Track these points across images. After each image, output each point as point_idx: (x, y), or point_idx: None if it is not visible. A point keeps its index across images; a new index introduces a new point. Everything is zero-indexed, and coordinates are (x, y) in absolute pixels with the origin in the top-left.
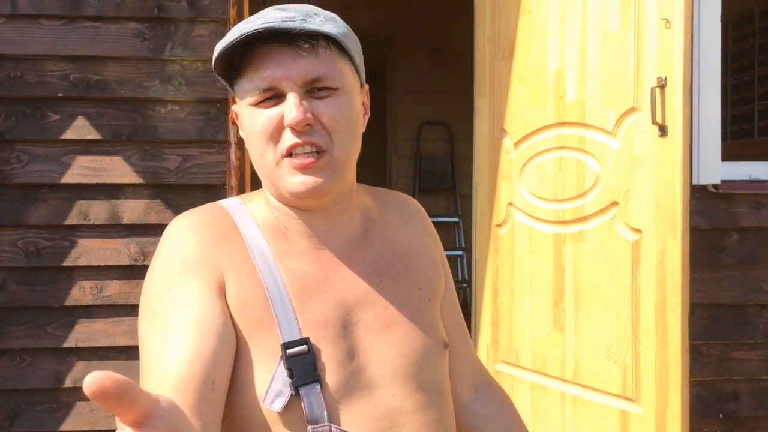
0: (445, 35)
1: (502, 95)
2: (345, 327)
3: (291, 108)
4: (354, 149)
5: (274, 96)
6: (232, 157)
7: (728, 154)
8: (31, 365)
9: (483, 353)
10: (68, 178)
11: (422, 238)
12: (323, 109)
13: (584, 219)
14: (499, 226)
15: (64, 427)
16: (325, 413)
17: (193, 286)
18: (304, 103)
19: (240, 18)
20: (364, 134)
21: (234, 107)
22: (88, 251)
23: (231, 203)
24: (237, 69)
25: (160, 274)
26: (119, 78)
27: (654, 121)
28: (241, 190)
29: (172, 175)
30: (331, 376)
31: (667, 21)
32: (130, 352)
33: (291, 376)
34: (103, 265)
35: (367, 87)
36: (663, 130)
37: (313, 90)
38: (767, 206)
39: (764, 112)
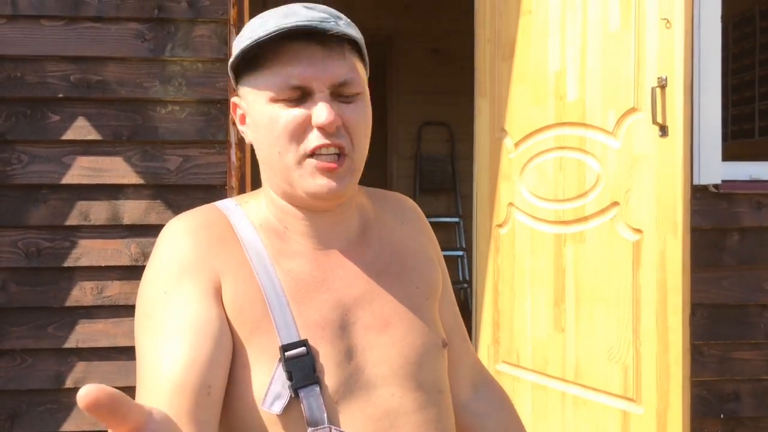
0: (445, 35)
1: (503, 95)
2: (343, 327)
3: (322, 109)
4: (366, 153)
5: (298, 95)
6: (233, 157)
7: (729, 154)
8: (32, 366)
9: (484, 353)
10: (69, 178)
11: (419, 237)
12: (348, 112)
13: (585, 219)
14: (499, 226)
15: (64, 427)
16: (325, 415)
17: (188, 289)
18: (333, 105)
19: (240, 18)
20: None
21: (237, 99)
22: (88, 252)
23: (227, 204)
24: (253, 61)
25: (155, 277)
26: (119, 78)
27: (654, 121)
28: (241, 191)
29: (173, 175)
30: (330, 377)
31: (668, 21)
32: (130, 353)
33: (290, 378)
34: (103, 265)
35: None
36: (663, 130)
37: (338, 93)
38: None
39: (765, 112)
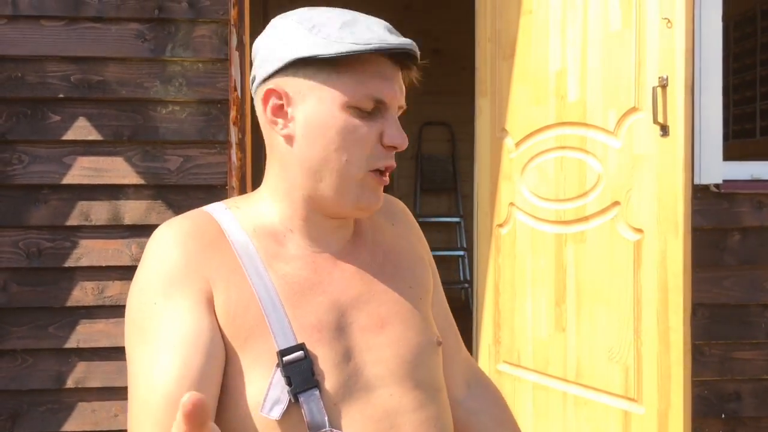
0: (445, 35)
1: (504, 95)
2: (340, 329)
3: (399, 130)
4: None
5: (373, 108)
6: (233, 157)
7: (730, 154)
8: (33, 366)
9: (485, 353)
10: (69, 178)
11: (409, 237)
12: None
13: (586, 219)
14: (500, 226)
15: (65, 427)
16: (326, 418)
17: (178, 301)
18: None
19: (241, 18)
20: None
21: (279, 87)
22: (89, 252)
23: (216, 208)
24: (330, 60)
25: (145, 287)
26: (120, 79)
27: (655, 121)
28: (242, 191)
29: (173, 175)
30: (329, 379)
31: (669, 20)
32: None
33: (289, 383)
34: (104, 265)
35: None
36: (664, 130)
37: None
38: None
39: (766, 112)
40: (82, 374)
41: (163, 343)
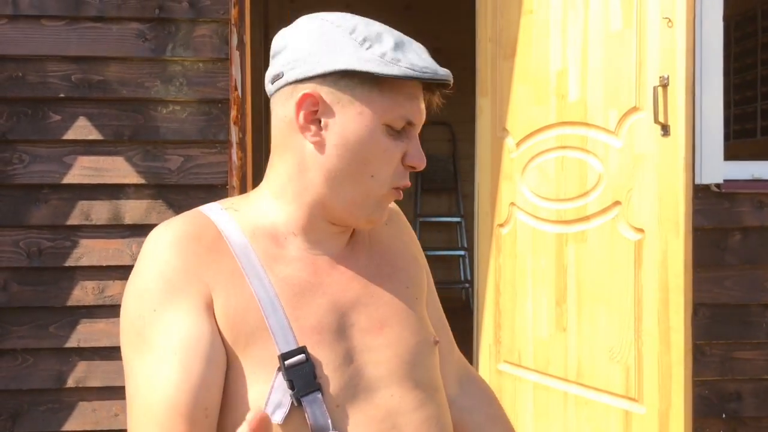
0: (446, 35)
1: (504, 95)
2: (340, 331)
3: (420, 151)
4: None
5: (402, 128)
6: (234, 157)
7: (731, 154)
8: (33, 365)
9: (485, 353)
10: (70, 178)
11: (402, 237)
12: None
13: (586, 219)
14: (501, 225)
15: (66, 427)
16: (329, 421)
17: (177, 306)
18: None
19: (241, 18)
20: None
21: (318, 94)
22: (89, 251)
23: (213, 209)
24: (373, 77)
25: (143, 293)
26: (121, 78)
27: (656, 121)
28: (242, 191)
29: (174, 175)
30: (331, 382)
31: (669, 20)
32: None
33: (291, 387)
34: (104, 265)
35: None
36: (665, 130)
37: None
38: None
39: (767, 112)
40: (82, 374)
41: (162, 350)
